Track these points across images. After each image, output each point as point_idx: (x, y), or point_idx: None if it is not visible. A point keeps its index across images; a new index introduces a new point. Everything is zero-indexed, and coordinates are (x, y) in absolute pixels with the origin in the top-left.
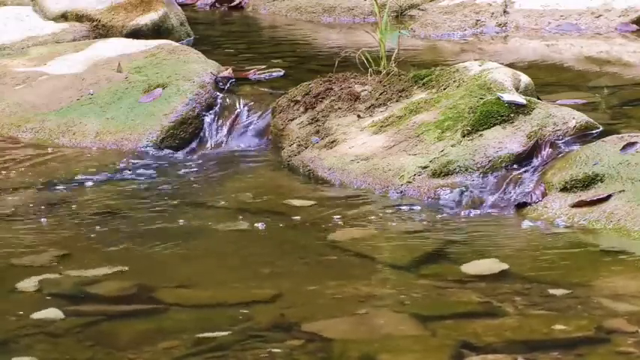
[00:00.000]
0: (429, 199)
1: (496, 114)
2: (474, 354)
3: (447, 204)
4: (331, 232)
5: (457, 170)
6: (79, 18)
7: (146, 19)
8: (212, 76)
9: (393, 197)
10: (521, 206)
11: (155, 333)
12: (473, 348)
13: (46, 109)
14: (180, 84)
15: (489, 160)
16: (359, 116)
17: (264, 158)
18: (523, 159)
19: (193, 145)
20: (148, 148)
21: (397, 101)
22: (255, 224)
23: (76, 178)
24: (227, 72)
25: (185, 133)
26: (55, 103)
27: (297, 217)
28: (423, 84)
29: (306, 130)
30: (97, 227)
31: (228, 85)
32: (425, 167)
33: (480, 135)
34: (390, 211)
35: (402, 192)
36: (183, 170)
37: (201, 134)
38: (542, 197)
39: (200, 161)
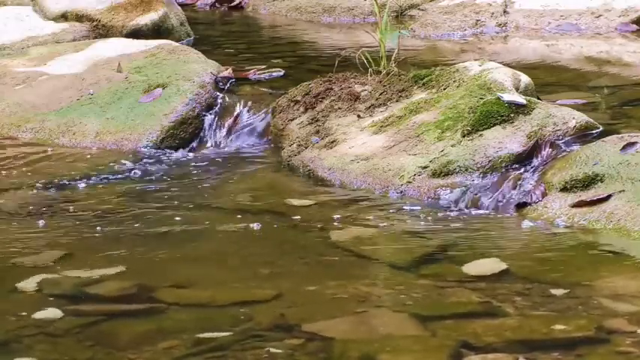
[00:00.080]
0: (429, 199)
1: (496, 114)
2: (474, 354)
3: (447, 204)
4: (331, 232)
5: (457, 170)
6: (79, 18)
7: (146, 19)
8: (212, 76)
9: (393, 197)
10: (521, 206)
11: (155, 333)
12: (473, 348)
13: (46, 109)
14: (180, 84)
15: (489, 160)
16: (359, 116)
17: (264, 158)
18: (523, 159)
19: (193, 145)
20: (148, 148)
21: (397, 101)
22: (251, 224)
23: (76, 178)
24: (227, 72)
25: (185, 133)
26: (55, 103)
27: (297, 217)
28: (423, 84)
29: (306, 130)
30: (97, 227)
31: (228, 85)
32: (425, 167)
33: (480, 135)
34: (390, 211)
35: (402, 192)
36: (183, 170)
37: (201, 134)
38: (542, 197)
39: (200, 161)
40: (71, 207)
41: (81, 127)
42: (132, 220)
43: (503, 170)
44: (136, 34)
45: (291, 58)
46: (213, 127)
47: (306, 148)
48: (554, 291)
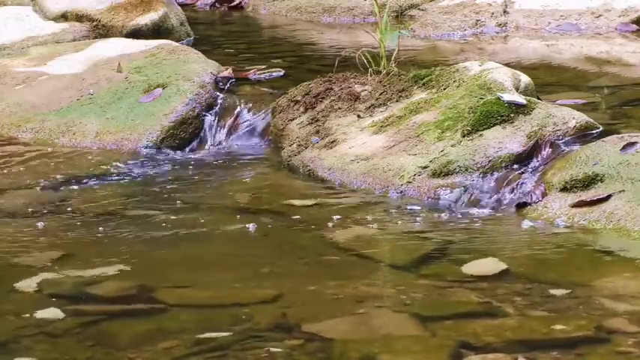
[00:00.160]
0: (429, 199)
1: (496, 114)
2: (474, 354)
3: (447, 204)
4: (331, 232)
5: (457, 170)
6: (79, 18)
7: (146, 19)
8: (212, 76)
9: (393, 197)
10: (521, 206)
11: (155, 333)
12: (473, 348)
13: (46, 109)
14: (180, 84)
15: (489, 160)
16: (359, 116)
17: (264, 158)
18: (523, 159)
19: (193, 145)
20: (148, 148)
21: (397, 101)
22: (251, 224)
23: (76, 178)
24: (227, 72)
25: (185, 133)
26: (55, 103)
27: (297, 217)
28: (423, 84)
29: (306, 130)
30: (97, 227)
31: (228, 85)
32: (425, 167)
33: (480, 135)
34: (390, 211)
35: (402, 192)
36: (183, 170)
37: (201, 134)
38: (542, 197)
39: (200, 161)
40: (71, 207)
41: (81, 127)
42: (132, 220)
43: (504, 170)
44: (136, 34)
45: (291, 58)
46: (213, 127)
47: (306, 148)
48: (554, 291)
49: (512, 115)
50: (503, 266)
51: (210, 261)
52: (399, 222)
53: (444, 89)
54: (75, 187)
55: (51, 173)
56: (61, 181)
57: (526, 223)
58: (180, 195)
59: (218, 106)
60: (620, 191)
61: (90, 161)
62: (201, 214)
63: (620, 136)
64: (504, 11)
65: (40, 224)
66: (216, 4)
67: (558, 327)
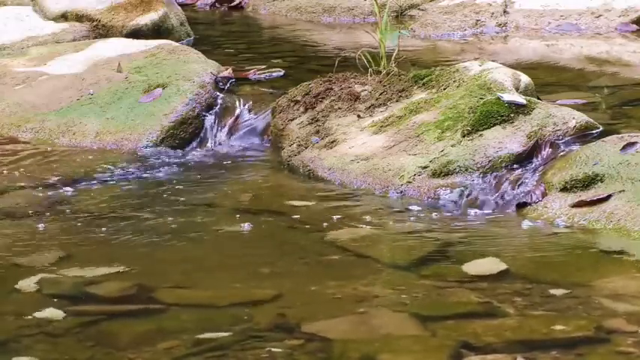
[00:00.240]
0: (429, 199)
1: (496, 114)
2: (474, 354)
3: (447, 204)
4: (331, 232)
5: (457, 170)
6: (79, 18)
7: (146, 19)
8: (212, 76)
9: (393, 197)
10: (521, 206)
11: (155, 333)
12: (473, 348)
13: (46, 109)
14: (180, 84)
15: (489, 160)
16: (359, 116)
17: (264, 158)
18: (523, 159)
19: (193, 145)
20: (148, 148)
21: (397, 101)
22: (251, 224)
23: (75, 178)
24: (227, 72)
25: (185, 133)
26: (55, 103)
27: (297, 217)
28: (423, 84)
29: (306, 130)
30: (97, 227)
31: (228, 85)
32: (425, 167)
33: (480, 135)
34: (390, 211)
35: (402, 192)
36: (183, 170)
37: (202, 134)
38: (542, 197)
39: (200, 161)
40: (71, 207)
41: (81, 127)
42: (132, 220)
43: (504, 170)
44: (136, 34)
45: (291, 58)
46: (214, 127)
47: (306, 148)
48: (554, 291)
49: (512, 115)
50: (503, 266)
51: (210, 261)
52: (399, 222)
53: (444, 89)
54: (75, 187)
55: (51, 173)
56: (61, 181)
57: (526, 223)
58: (181, 195)
59: (218, 106)
60: (620, 191)
61: (90, 161)
62: (201, 214)
63: (620, 136)
64: (504, 11)
65: (40, 224)
66: (216, 4)
67: (558, 327)
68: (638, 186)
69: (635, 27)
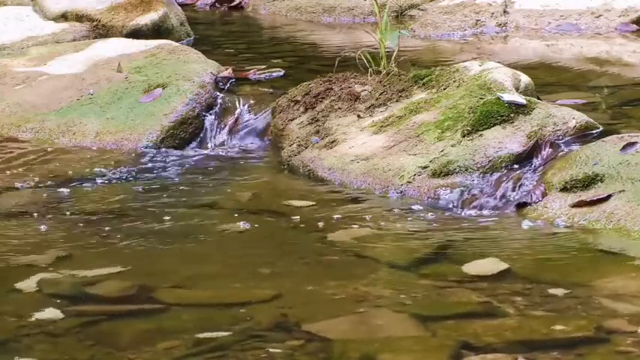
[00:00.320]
0: (429, 199)
1: (496, 114)
2: (474, 354)
3: (447, 204)
4: (331, 232)
5: (457, 170)
6: (79, 18)
7: (146, 19)
8: (212, 76)
9: (393, 197)
10: (521, 206)
11: (155, 333)
12: (473, 348)
13: (46, 109)
14: (180, 84)
15: (489, 160)
16: (359, 116)
17: (264, 158)
18: (523, 159)
19: (193, 145)
20: (148, 148)
21: (397, 101)
22: (251, 224)
23: (75, 178)
24: (227, 72)
25: (185, 133)
26: (55, 103)
27: (297, 217)
28: (423, 84)
29: (306, 130)
30: (97, 227)
31: (228, 85)
32: (425, 167)
33: (480, 135)
34: (390, 211)
35: (402, 192)
36: (183, 170)
37: (202, 134)
38: (542, 197)
39: (200, 161)
40: (71, 207)
41: (81, 127)
42: (132, 220)
43: (504, 170)
44: (136, 34)
45: (291, 58)
46: (213, 127)
47: (306, 148)
48: (554, 291)
49: (512, 115)
50: (503, 266)
51: (211, 261)
52: (399, 222)
53: (444, 89)
54: (75, 187)
55: (51, 173)
56: (61, 181)
57: (526, 223)
58: (181, 195)
59: (218, 106)
60: (620, 191)
61: (90, 161)
62: (201, 214)
63: (620, 136)
64: (504, 11)
65: (40, 224)
66: (216, 4)
67: (558, 327)
68: (638, 186)
69: (635, 27)
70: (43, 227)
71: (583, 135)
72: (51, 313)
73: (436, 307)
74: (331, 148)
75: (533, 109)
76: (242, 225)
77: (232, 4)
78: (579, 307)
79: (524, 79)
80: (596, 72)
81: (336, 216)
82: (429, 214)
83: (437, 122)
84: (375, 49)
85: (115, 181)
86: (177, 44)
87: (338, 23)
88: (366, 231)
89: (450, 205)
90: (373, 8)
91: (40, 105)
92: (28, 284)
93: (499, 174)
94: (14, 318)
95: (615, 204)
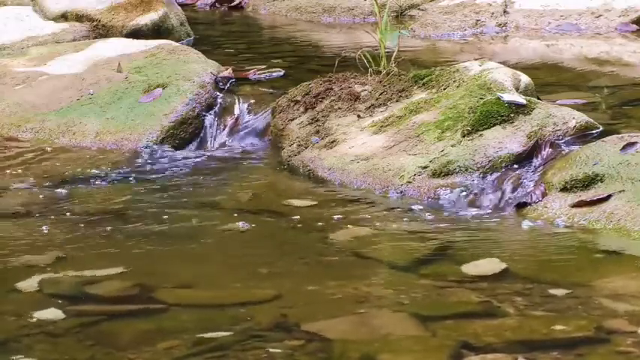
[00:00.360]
0: (429, 199)
1: (496, 114)
2: (474, 354)
3: (447, 204)
4: (331, 232)
5: (457, 170)
6: (79, 18)
7: (146, 19)
8: (212, 76)
9: (393, 197)
10: (521, 206)
11: (155, 333)
12: (473, 348)
13: (46, 109)
14: (180, 84)
15: (489, 160)
16: (359, 116)
17: (264, 158)
18: (523, 159)
19: (193, 145)
20: (148, 148)
21: (397, 101)
22: (251, 225)
23: (76, 178)
24: (227, 72)
25: (185, 133)
26: (55, 103)
27: (297, 217)
28: (423, 84)
29: (306, 130)
30: (97, 227)
31: (228, 85)
32: (425, 167)
33: (480, 135)
34: (390, 211)
35: (402, 192)
36: (183, 170)
37: (202, 134)
38: (542, 197)
39: (200, 161)
40: (71, 207)
41: (81, 127)
42: (132, 220)
43: (504, 170)
44: (136, 34)
45: (291, 58)
46: (213, 127)
47: (306, 148)
48: (554, 291)
49: (512, 115)
50: (503, 266)
51: (211, 261)
52: (399, 222)
53: (444, 89)
54: (75, 187)
55: (51, 173)
56: (61, 181)
57: (526, 223)
58: (180, 195)
59: (218, 106)
60: (620, 191)
61: (90, 161)
62: (201, 214)
63: (620, 136)
64: (504, 11)
65: (40, 224)
66: (216, 4)
67: (558, 327)
68: (638, 186)
69: (635, 27)
70: (43, 227)
71: (583, 135)
72: (51, 313)
73: (436, 307)
74: (331, 148)
75: (533, 109)
76: (242, 225)
77: (232, 4)
78: (579, 307)
79: (524, 79)
80: (596, 72)
81: (336, 216)
82: (429, 214)
83: (437, 122)
84: (375, 49)
85: (115, 181)
86: (177, 44)
87: (338, 23)
88: (366, 231)
89: (450, 205)
90: (373, 8)
91: (40, 105)
92: (29, 284)
93: (499, 174)
94: (14, 318)
95: (615, 204)
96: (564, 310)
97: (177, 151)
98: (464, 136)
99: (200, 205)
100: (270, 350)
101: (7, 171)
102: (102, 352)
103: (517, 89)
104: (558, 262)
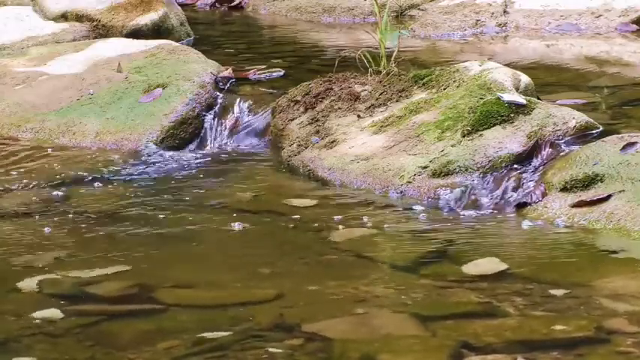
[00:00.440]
0: (429, 199)
1: (496, 114)
2: (474, 354)
3: (447, 204)
4: (331, 232)
5: (457, 170)
6: (79, 18)
7: (146, 19)
8: (212, 76)
9: (393, 197)
10: (521, 206)
11: (155, 333)
12: (473, 348)
13: (46, 109)
14: (180, 84)
15: (489, 160)
16: (359, 116)
17: (264, 158)
18: (523, 159)
19: (193, 145)
20: (148, 148)
21: (397, 101)
22: (251, 225)
23: (75, 178)
24: (227, 72)
25: (185, 133)
26: (55, 103)
27: (297, 217)
28: (423, 84)
29: (306, 130)
30: (97, 227)
31: (228, 85)
32: (425, 167)
33: (480, 135)
34: (390, 211)
35: (402, 192)
36: (183, 170)
37: (202, 134)
38: (542, 197)
39: (200, 161)
40: (71, 207)
41: (81, 127)
42: (132, 220)
43: (504, 170)
44: (136, 34)
45: (291, 58)
46: (213, 127)
47: (306, 148)
48: (554, 291)
49: (512, 115)
50: (503, 266)
51: (211, 261)
52: (399, 222)
53: (444, 89)
54: (75, 187)
55: (51, 173)
56: (61, 181)
57: (526, 223)
58: (181, 195)
59: (218, 106)
60: (620, 191)
61: (90, 161)
62: (201, 214)
63: (620, 136)
64: (504, 11)
65: (40, 224)
66: (216, 4)
67: (558, 327)
68: (638, 186)
69: (635, 27)
70: (43, 227)
71: (583, 135)
72: (51, 313)
73: (436, 307)
74: (331, 148)
75: (533, 109)
76: (242, 225)
77: (232, 4)
78: (579, 307)
79: (524, 79)
80: (596, 72)
81: (336, 216)
82: (429, 214)
83: (437, 122)
84: (375, 49)
85: (114, 181)
86: (177, 44)
87: (338, 23)
88: (366, 231)
89: (450, 205)
90: (373, 8)
91: (40, 105)
92: (29, 284)
93: (499, 174)
94: (14, 318)
95: (615, 204)
96: (564, 310)
97: (177, 151)
98: (464, 136)
99: (199, 205)
100: (270, 350)
101: (7, 171)
102: (102, 352)
103: (517, 89)
104: (558, 262)
